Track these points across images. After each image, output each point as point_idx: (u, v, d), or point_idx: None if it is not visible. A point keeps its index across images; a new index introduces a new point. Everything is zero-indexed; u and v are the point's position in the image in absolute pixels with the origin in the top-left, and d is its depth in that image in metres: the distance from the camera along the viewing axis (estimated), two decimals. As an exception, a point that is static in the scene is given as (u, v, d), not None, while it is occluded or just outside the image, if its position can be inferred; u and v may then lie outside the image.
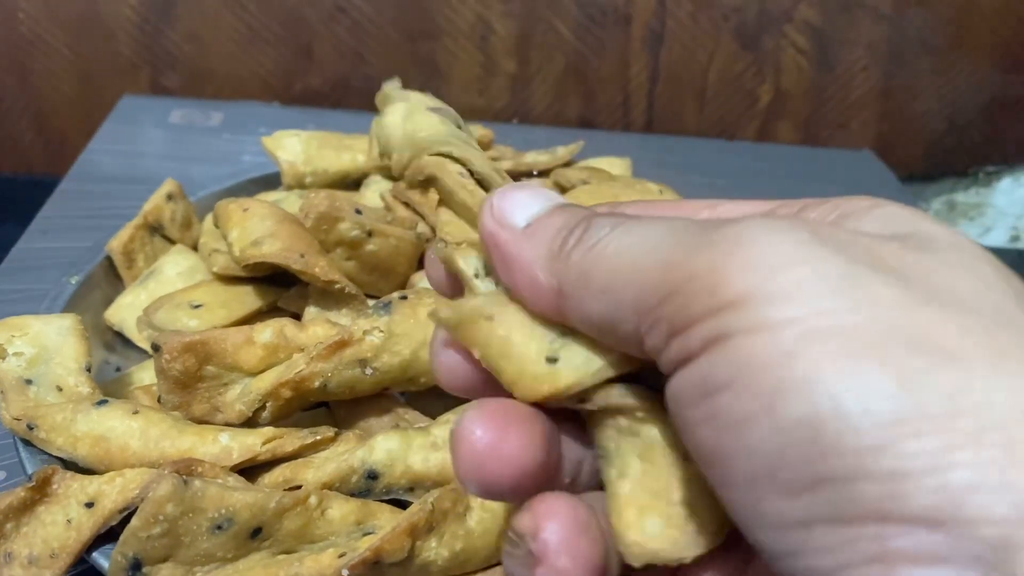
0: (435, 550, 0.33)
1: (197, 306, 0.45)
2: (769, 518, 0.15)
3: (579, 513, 0.19)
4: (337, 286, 0.43)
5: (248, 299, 0.46)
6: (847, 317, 0.15)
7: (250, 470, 0.37)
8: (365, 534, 0.34)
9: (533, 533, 0.18)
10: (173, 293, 0.46)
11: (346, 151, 0.57)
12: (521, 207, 0.20)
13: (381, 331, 0.38)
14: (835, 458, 0.14)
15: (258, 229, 0.45)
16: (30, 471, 0.37)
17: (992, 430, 0.14)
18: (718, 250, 0.16)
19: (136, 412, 0.38)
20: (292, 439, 0.37)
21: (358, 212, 0.46)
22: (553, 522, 0.18)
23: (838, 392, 0.14)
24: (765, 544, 0.15)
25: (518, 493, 0.19)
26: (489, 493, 0.19)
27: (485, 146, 0.59)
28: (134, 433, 0.37)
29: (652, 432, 0.19)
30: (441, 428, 0.38)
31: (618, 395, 0.19)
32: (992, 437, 0.14)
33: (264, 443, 0.37)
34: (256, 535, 0.32)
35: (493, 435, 0.18)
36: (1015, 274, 0.17)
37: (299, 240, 0.44)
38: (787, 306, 0.15)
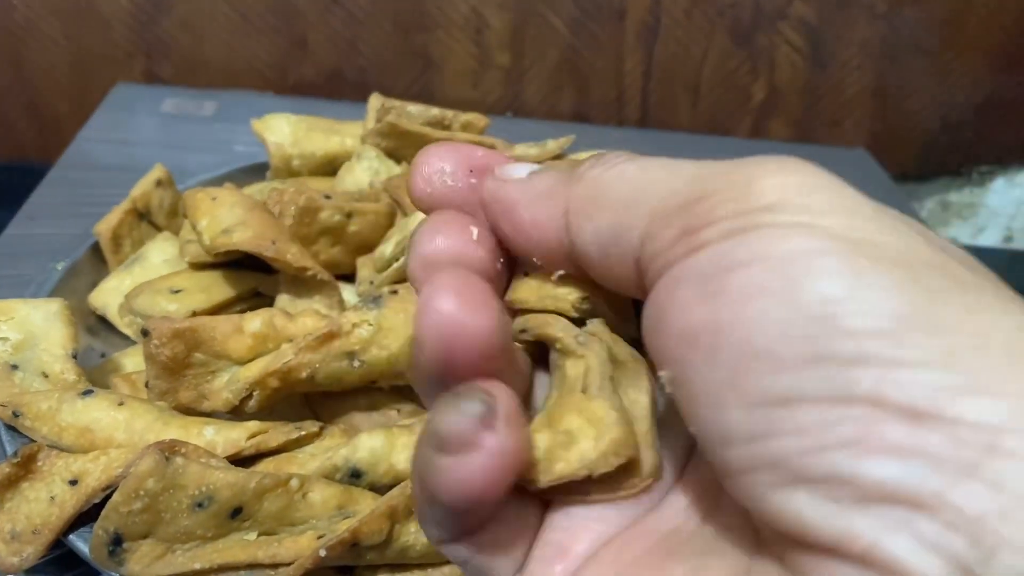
0: (414, 535, 0.34)
1: (177, 291, 0.45)
2: (751, 394, 0.15)
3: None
4: (309, 273, 0.43)
5: (227, 285, 0.46)
6: (877, 235, 0.15)
7: (234, 464, 0.37)
8: (346, 518, 0.35)
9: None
10: (154, 280, 0.46)
11: (335, 135, 0.57)
12: (523, 167, 0.20)
13: (370, 324, 0.38)
14: (842, 338, 0.14)
15: (228, 218, 0.45)
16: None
17: (997, 344, 0.14)
18: (753, 167, 0.16)
19: (121, 404, 0.38)
20: (277, 434, 0.38)
21: (327, 198, 0.47)
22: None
23: (860, 282, 0.14)
24: (732, 425, 0.15)
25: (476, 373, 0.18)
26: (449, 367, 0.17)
27: (479, 131, 0.59)
28: (119, 425, 0.37)
29: (567, 366, 0.20)
30: None
31: (549, 324, 0.20)
32: (997, 350, 0.14)
33: (249, 438, 0.37)
34: (236, 515, 0.32)
35: (464, 312, 0.17)
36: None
37: (270, 228, 0.44)
38: (821, 216, 0.15)
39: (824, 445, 0.14)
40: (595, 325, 0.20)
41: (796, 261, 0.15)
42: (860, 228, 0.15)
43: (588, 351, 0.19)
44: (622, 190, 0.18)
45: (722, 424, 0.15)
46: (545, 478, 0.18)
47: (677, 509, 0.19)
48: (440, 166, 0.21)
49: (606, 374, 0.19)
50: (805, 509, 0.15)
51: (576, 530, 0.19)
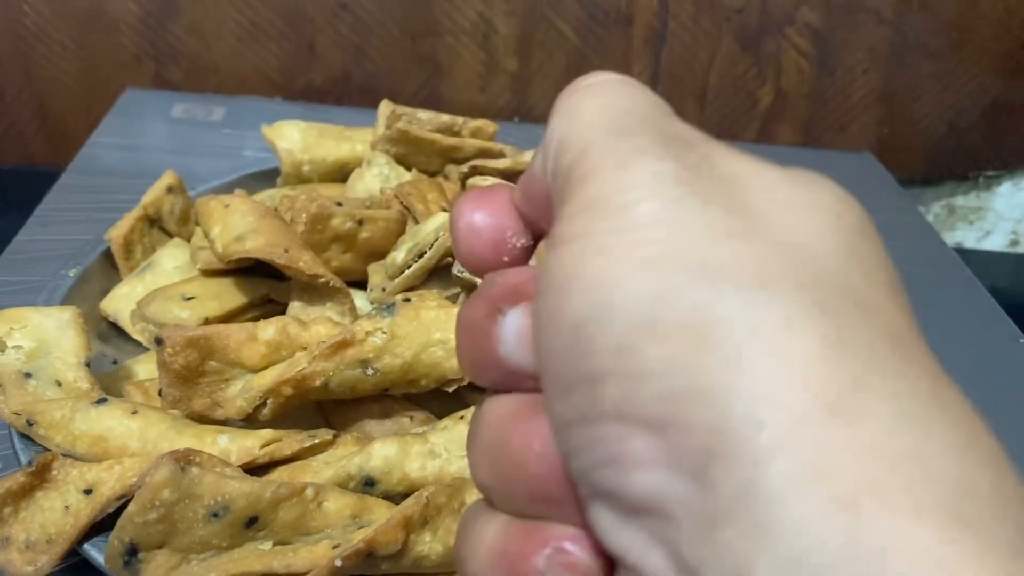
0: (429, 544, 0.34)
1: (189, 298, 0.45)
2: (554, 417, 0.16)
3: None
4: (321, 280, 0.43)
5: (240, 291, 0.46)
6: (642, 235, 0.15)
7: (248, 473, 0.37)
8: (360, 528, 0.35)
9: None
10: (167, 286, 0.46)
11: (345, 141, 0.57)
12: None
13: (384, 332, 0.39)
14: (590, 357, 0.15)
15: (240, 225, 0.45)
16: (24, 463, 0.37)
17: (722, 342, 0.14)
18: (603, 161, 0.16)
19: (135, 412, 0.38)
20: (290, 442, 0.38)
21: (339, 204, 0.47)
22: None
23: (603, 297, 0.15)
24: (557, 442, 0.16)
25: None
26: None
27: (488, 136, 0.59)
28: (133, 433, 0.37)
29: None
30: (438, 435, 0.39)
31: None
32: (720, 348, 0.14)
33: (262, 446, 0.37)
34: (251, 524, 0.32)
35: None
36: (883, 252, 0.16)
37: (282, 235, 0.44)
38: (605, 222, 0.15)
39: (595, 463, 0.15)
40: None
41: (563, 285, 0.15)
42: (632, 227, 0.15)
43: None
44: (572, 124, 0.18)
45: (555, 441, 0.16)
46: None
47: None
48: (502, 222, 0.20)
49: None
50: (601, 521, 0.15)
51: None
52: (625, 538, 0.15)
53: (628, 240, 0.15)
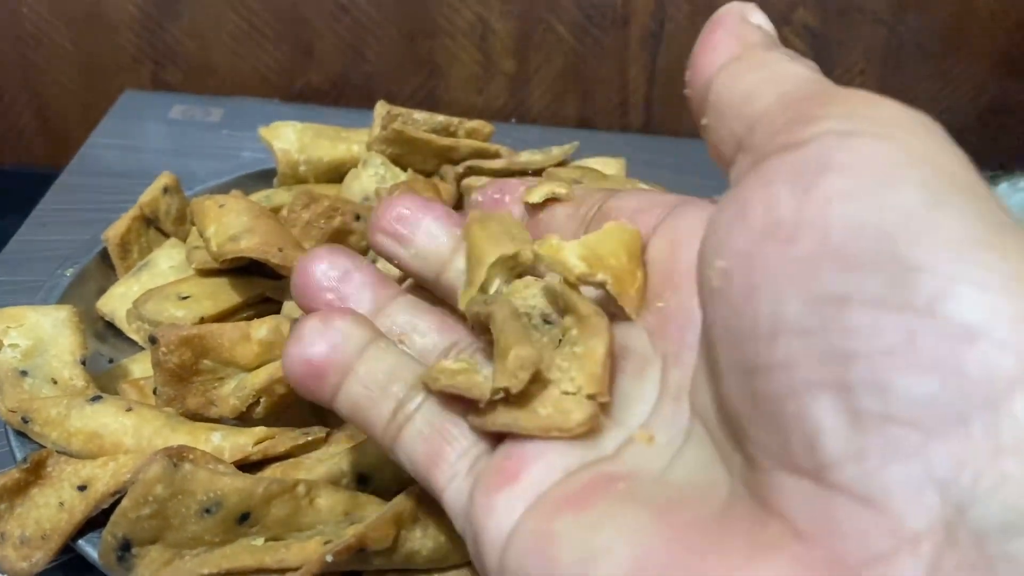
0: (420, 540, 0.34)
1: (185, 297, 0.45)
2: (814, 289, 0.15)
3: None
4: None
5: (235, 291, 0.47)
6: (959, 168, 0.16)
7: (241, 470, 0.38)
8: (353, 524, 0.35)
9: None
10: (162, 286, 0.47)
11: (342, 142, 0.57)
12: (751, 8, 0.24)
13: None
14: (912, 247, 0.15)
15: (235, 224, 0.45)
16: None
17: None
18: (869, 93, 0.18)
19: (129, 410, 0.38)
20: (284, 439, 0.38)
21: (358, 219, 0.47)
22: None
23: (939, 199, 0.15)
24: (787, 316, 0.16)
25: None
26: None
27: (484, 137, 0.60)
28: (127, 430, 0.37)
29: None
30: None
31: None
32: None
33: (256, 443, 0.38)
34: (244, 520, 0.32)
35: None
36: None
37: (277, 235, 0.45)
38: (915, 138, 0.17)
39: (869, 350, 0.14)
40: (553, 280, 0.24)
41: (886, 171, 0.16)
42: (943, 157, 0.16)
43: (495, 305, 0.23)
44: (768, 74, 0.20)
45: (777, 315, 0.16)
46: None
47: (640, 456, 0.19)
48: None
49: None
50: (824, 415, 0.15)
51: (527, 457, 0.19)
52: (854, 441, 0.14)
53: (945, 164, 0.16)
